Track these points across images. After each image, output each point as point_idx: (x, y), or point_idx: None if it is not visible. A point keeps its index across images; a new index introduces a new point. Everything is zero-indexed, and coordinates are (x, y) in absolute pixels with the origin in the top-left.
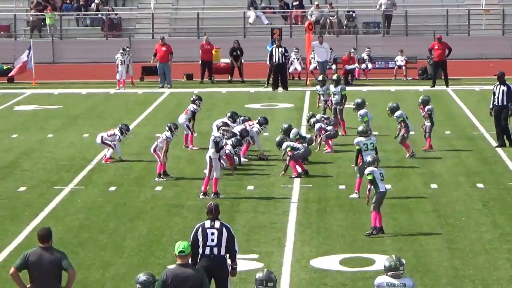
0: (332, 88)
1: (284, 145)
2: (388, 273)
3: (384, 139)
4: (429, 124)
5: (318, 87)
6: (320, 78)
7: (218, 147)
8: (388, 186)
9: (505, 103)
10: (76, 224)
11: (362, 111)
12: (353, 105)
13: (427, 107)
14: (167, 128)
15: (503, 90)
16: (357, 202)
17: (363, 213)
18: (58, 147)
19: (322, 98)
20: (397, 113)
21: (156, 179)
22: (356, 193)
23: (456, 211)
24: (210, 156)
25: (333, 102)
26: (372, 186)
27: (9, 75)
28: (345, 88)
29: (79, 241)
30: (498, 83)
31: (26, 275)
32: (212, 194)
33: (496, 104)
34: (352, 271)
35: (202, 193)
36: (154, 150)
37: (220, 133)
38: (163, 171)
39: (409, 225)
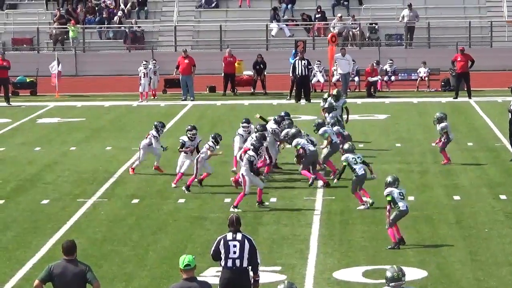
0: (333, 103)
1: (295, 142)
2: (391, 284)
3: (407, 151)
4: (445, 140)
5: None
6: (335, 92)
7: (252, 166)
8: (411, 198)
9: None
10: (99, 236)
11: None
12: (314, 125)
13: (441, 125)
14: (211, 138)
15: None
16: (380, 214)
17: (386, 225)
18: (81, 160)
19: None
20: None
21: (185, 191)
22: (363, 204)
23: (479, 223)
24: (242, 174)
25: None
26: (393, 206)
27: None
28: (345, 102)
29: (102, 253)
30: None
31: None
32: (257, 204)
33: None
34: (375, 283)
35: (232, 206)
36: (197, 161)
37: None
38: (200, 180)
39: (432, 237)
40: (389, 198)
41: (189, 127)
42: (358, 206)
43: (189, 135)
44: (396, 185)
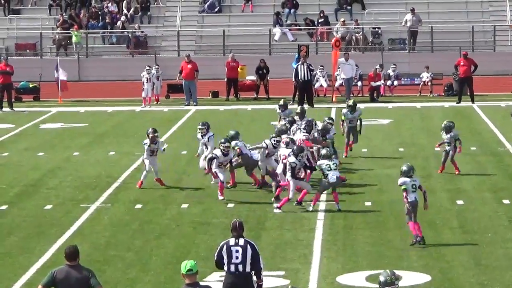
0: (348, 114)
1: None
2: None
3: (410, 155)
4: (454, 149)
5: (344, 110)
6: (351, 102)
7: (294, 172)
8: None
9: None
10: (103, 241)
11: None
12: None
13: (451, 134)
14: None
15: None
16: (383, 218)
17: (389, 229)
18: (84, 165)
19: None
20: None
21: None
22: (312, 206)
23: (482, 227)
24: (287, 179)
25: (347, 127)
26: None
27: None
28: (361, 113)
29: (106, 258)
30: None
31: None
32: (295, 203)
33: None
34: None
35: (277, 207)
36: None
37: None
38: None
39: (435, 242)
40: (403, 187)
41: (222, 140)
42: (313, 206)
43: (222, 148)
44: (411, 175)
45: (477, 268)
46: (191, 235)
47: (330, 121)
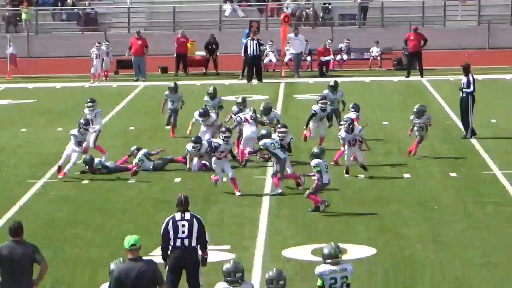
0: (330, 95)
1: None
2: (328, 261)
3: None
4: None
5: (327, 91)
6: (332, 82)
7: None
8: (361, 176)
9: (464, 95)
10: (63, 220)
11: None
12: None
13: (424, 117)
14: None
15: (463, 82)
16: (328, 192)
17: (336, 202)
18: (31, 142)
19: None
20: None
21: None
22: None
23: (429, 200)
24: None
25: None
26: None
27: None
28: (343, 94)
29: (65, 236)
30: (463, 74)
31: None
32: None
33: (461, 95)
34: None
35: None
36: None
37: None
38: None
39: (384, 215)
40: (318, 169)
41: (223, 128)
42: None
43: (222, 137)
44: (322, 157)
45: (424, 240)
46: (151, 213)
47: (323, 100)
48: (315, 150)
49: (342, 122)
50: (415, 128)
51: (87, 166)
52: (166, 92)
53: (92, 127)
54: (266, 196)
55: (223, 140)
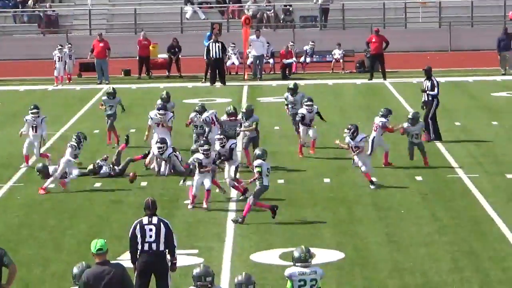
0: (289, 97)
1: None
2: (297, 264)
3: (322, 133)
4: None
5: (287, 94)
6: (292, 85)
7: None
8: (327, 180)
9: (429, 98)
10: (16, 221)
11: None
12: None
13: (418, 125)
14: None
15: (427, 86)
16: (296, 196)
17: (303, 207)
18: None
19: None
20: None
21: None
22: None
23: (395, 204)
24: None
25: (291, 112)
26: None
27: None
28: (303, 95)
29: (19, 238)
30: (425, 77)
31: None
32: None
33: (425, 99)
34: (291, 265)
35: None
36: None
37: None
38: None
39: (349, 219)
40: (258, 169)
41: (201, 142)
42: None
43: (202, 151)
44: (265, 158)
45: (391, 244)
46: (104, 213)
47: (309, 102)
48: (258, 151)
49: (345, 130)
50: (412, 137)
51: (40, 175)
52: (104, 97)
53: (36, 134)
54: (232, 199)
55: (203, 154)
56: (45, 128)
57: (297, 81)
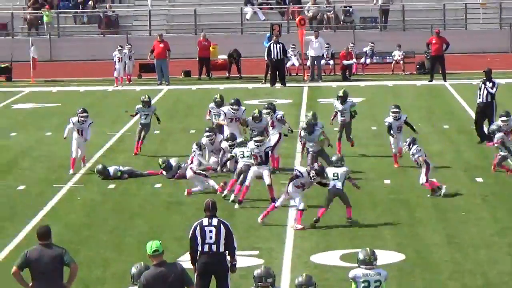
0: (338, 105)
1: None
2: (361, 266)
3: (382, 134)
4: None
5: (335, 102)
6: (341, 93)
7: None
8: (387, 181)
9: (489, 100)
10: (77, 222)
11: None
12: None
13: (498, 135)
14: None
15: (487, 87)
16: (356, 198)
17: (363, 209)
18: (57, 146)
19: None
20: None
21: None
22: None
23: (456, 206)
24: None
25: (340, 120)
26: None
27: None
28: (355, 104)
29: (80, 239)
30: (484, 79)
31: (28, 273)
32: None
33: (481, 101)
34: (352, 267)
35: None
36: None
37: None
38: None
39: (409, 220)
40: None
41: (255, 132)
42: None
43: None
44: (339, 164)
45: (451, 246)
46: (164, 215)
47: (395, 109)
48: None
49: (404, 143)
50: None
51: (101, 176)
52: (138, 106)
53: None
54: (292, 201)
55: (254, 144)
56: (89, 133)
57: (358, 82)
